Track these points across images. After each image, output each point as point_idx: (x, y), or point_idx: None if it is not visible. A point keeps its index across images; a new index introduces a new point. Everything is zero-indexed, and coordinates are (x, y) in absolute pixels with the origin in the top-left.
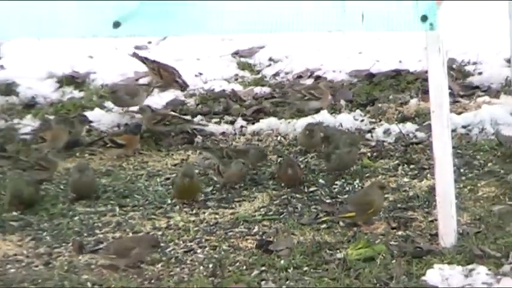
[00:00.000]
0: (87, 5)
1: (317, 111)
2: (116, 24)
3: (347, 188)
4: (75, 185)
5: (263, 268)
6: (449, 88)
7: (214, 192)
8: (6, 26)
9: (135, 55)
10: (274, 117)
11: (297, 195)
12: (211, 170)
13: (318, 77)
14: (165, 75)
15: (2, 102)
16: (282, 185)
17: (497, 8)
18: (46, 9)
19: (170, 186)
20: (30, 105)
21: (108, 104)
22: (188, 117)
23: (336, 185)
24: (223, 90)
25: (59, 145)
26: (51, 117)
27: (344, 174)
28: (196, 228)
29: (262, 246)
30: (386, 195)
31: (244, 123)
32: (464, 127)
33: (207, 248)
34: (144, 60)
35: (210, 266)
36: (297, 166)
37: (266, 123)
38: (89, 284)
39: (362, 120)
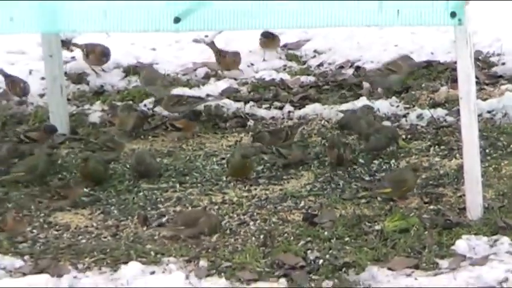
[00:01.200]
0: (150, 1)
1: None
2: (177, 20)
3: (384, 167)
4: (135, 169)
5: (309, 239)
6: (476, 77)
7: (265, 170)
8: (77, 21)
9: (210, 44)
10: (318, 103)
11: (339, 173)
12: (265, 153)
13: (357, 68)
14: (229, 60)
15: (74, 90)
16: (326, 164)
17: None
18: (112, 6)
19: (225, 165)
20: (99, 93)
21: (171, 91)
22: (201, 96)
23: (374, 163)
24: (273, 79)
25: (126, 129)
26: (118, 103)
27: (381, 154)
28: (248, 203)
29: (308, 219)
30: (419, 174)
31: (291, 108)
32: (489, 112)
33: (258, 221)
34: (212, 45)
35: (261, 237)
36: (345, 146)
37: (311, 109)
38: (152, 253)
39: (397, 106)
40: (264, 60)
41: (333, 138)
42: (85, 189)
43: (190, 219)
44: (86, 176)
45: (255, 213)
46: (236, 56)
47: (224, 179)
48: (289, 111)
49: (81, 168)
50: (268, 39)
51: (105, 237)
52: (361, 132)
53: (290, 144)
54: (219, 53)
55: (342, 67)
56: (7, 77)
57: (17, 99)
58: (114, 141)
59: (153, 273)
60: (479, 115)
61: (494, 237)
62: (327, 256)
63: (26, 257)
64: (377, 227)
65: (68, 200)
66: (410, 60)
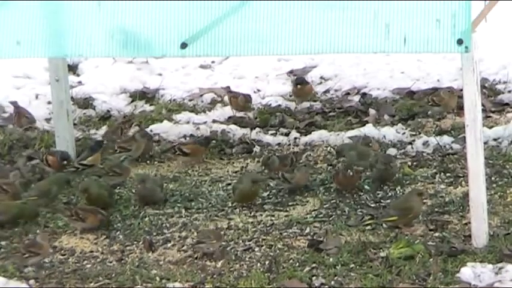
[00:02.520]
0: (156, 27)
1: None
2: (183, 45)
3: (389, 194)
4: (140, 193)
5: (314, 265)
6: (482, 104)
7: (271, 196)
8: (83, 46)
9: (225, 88)
10: (324, 129)
11: (345, 200)
12: (270, 179)
13: (364, 94)
14: (241, 102)
15: (80, 115)
16: (332, 190)
17: None
18: (119, 31)
19: (231, 191)
20: (105, 118)
21: (176, 116)
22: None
23: (380, 191)
24: (279, 105)
25: (136, 155)
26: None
27: (387, 181)
28: (254, 229)
29: (313, 246)
30: (424, 201)
31: (297, 135)
32: (495, 140)
33: (263, 247)
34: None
35: (266, 262)
36: (354, 171)
37: (317, 135)
38: (157, 279)
39: (403, 133)
40: (295, 108)
41: (345, 164)
42: (104, 213)
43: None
44: (91, 202)
45: (260, 239)
46: (247, 97)
47: (230, 204)
48: (295, 138)
49: (86, 194)
50: (302, 85)
51: (110, 262)
52: (351, 162)
53: (293, 169)
54: (231, 95)
55: (348, 94)
56: (16, 107)
57: (24, 123)
58: (120, 166)
59: None
60: (485, 143)
61: (500, 264)
62: (332, 283)
63: (31, 282)
64: (382, 254)
65: (86, 222)
66: (452, 93)
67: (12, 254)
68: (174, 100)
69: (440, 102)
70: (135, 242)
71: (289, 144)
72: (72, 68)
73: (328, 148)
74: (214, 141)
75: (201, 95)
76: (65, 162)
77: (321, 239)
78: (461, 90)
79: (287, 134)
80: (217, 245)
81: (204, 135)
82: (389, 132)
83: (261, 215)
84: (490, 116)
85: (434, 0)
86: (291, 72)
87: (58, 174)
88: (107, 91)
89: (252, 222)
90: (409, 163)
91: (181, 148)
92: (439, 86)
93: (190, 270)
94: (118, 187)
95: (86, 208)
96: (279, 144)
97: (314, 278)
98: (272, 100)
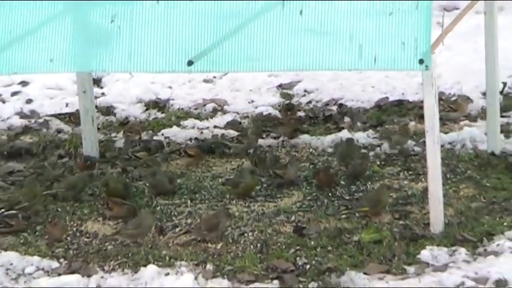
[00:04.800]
0: (167, 47)
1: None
2: (190, 63)
3: (361, 188)
4: (152, 184)
5: (298, 247)
6: (439, 114)
7: (262, 190)
8: (106, 62)
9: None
10: (307, 134)
11: (324, 193)
12: (262, 176)
13: (340, 105)
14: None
15: (103, 121)
16: (313, 185)
17: (478, 51)
18: (135, 49)
19: (229, 186)
20: (124, 123)
21: (183, 122)
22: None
23: (353, 186)
24: (269, 114)
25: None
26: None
27: (359, 177)
28: (248, 217)
29: (298, 231)
30: (390, 194)
31: (285, 138)
32: (450, 143)
33: (256, 232)
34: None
35: (258, 245)
36: (331, 171)
37: (302, 139)
38: (167, 258)
39: (373, 137)
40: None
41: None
42: (128, 204)
43: (212, 225)
44: (109, 194)
45: (253, 226)
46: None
47: (228, 196)
48: (283, 141)
49: (105, 188)
50: (291, 111)
51: (127, 244)
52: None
53: (285, 165)
54: None
55: (327, 104)
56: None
57: (56, 128)
58: (153, 161)
59: (167, 274)
60: (442, 146)
61: (453, 248)
62: (313, 262)
63: (61, 260)
64: (355, 238)
65: (113, 211)
66: (470, 100)
67: (45, 238)
68: (181, 109)
69: (457, 108)
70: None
71: (278, 146)
72: (97, 81)
73: (310, 150)
74: (213, 145)
75: (204, 105)
76: (88, 163)
77: (304, 225)
78: (422, 102)
79: (276, 138)
80: (215, 235)
81: (206, 140)
82: (361, 137)
83: (254, 205)
84: (446, 124)
85: (400, 26)
86: (279, 86)
87: (84, 171)
88: (126, 101)
89: (246, 211)
90: (378, 163)
91: (186, 151)
92: (403, 98)
93: (195, 251)
94: (141, 178)
95: (115, 200)
96: (269, 146)
97: (298, 258)
98: (264, 109)
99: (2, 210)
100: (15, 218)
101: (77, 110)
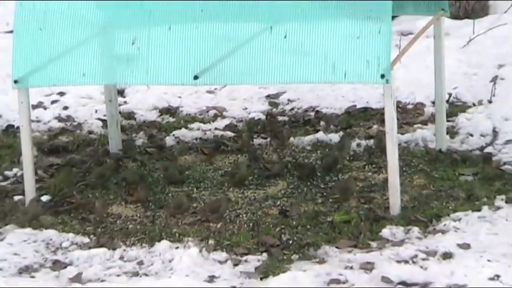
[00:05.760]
0: (176, 64)
1: (317, 131)
2: (196, 77)
3: (334, 179)
4: (165, 175)
5: (283, 226)
6: (397, 119)
7: (254, 180)
8: (128, 76)
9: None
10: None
11: (304, 183)
12: (255, 169)
13: (317, 111)
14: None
15: (125, 124)
16: (295, 176)
17: (428, 68)
18: (152, 65)
19: (227, 176)
20: (142, 126)
21: (190, 125)
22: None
23: (327, 176)
24: (260, 119)
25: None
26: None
27: (332, 170)
28: (242, 202)
29: (282, 213)
30: (357, 184)
31: (272, 138)
32: (405, 142)
33: (248, 214)
34: None
35: (251, 224)
36: (309, 165)
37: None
38: (177, 235)
39: None
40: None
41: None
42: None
43: (215, 207)
44: (130, 183)
45: (246, 209)
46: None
47: (226, 185)
48: (270, 140)
49: (126, 178)
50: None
51: (145, 224)
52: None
53: (273, 162)
54: None
55: (306, 111)
56: None
57: (87, 129)
58: (172, 155)
59: (177, 248)
60: (399, 144)
61: (408, 227)
62: (295, 238)
63: (91, 236)
64: (329, 219)
65: (134, 197)
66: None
67: (78, 219)
68: (189, 114)
69: (420, 113)
70: (162, 210)
71: (267, 145)
72: (120, 92)
73: (293, 147)
74: (214, 144)
75: (207, 111)
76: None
77: (288, 209)
78: (383, 109)
79: (265, 138)
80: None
81: (214, 141)
82: (334, 137)
83: (247, 192)
84: (402, 127)
85: (365, 47)
86: (268, 96)
87: (110, 163)
88: (144, 108)
89: (241, 197)
90: (347, 158)
91: (202, 149)
92: (368, 106)
93: (199, 230)
94: (156, 170)
95: (135, 188)
96: (259, 144)
97: (283, 235)
98: (255, 115)
99: (46, 195)
100: (74, 196)
101: (104, 115)
